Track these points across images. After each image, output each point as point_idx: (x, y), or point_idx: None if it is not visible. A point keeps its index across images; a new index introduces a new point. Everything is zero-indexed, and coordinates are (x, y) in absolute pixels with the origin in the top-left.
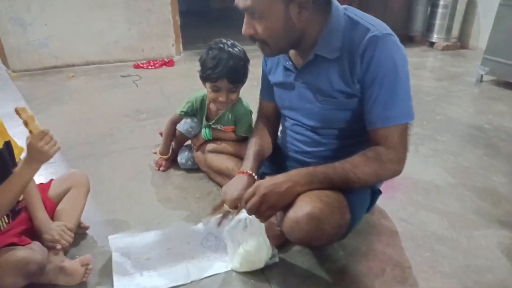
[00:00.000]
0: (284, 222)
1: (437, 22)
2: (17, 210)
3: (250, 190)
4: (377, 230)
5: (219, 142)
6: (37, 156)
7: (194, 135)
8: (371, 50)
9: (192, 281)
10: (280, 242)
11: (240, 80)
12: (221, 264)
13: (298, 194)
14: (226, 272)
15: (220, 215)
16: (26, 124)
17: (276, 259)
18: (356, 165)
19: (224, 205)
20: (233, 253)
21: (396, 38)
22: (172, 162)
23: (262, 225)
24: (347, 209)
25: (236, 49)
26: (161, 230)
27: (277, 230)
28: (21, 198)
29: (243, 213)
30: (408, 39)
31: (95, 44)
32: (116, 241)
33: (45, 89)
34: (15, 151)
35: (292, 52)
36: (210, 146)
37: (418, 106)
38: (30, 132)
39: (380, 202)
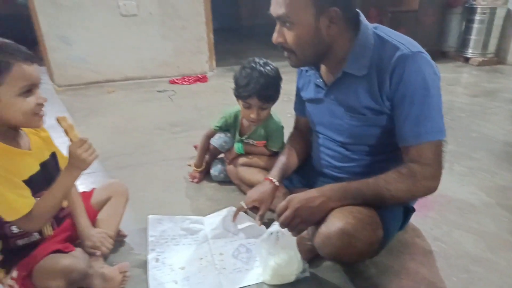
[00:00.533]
0: (316, 237)
1: (473, 37)
2: (61, 217)
3: (283, 203)
4: (410, 248)
5: (250, 156)
6: (77, 163)
7: (227, 149)
8: (400, 69)
9: None
10: (311, 256)
11: (271, 98)
12: (252, 276)
13: (331, 210)
14: (257, 284)
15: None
16: (66, 132)
17: (307, 274)
18: (389, 182)
19: (241, 202)
20: (265, 266)
21: (427, 56)
22: (205, 175)
23: (294, 239)
24: (379, 225)
25: (268, 67)
26: (196, 225)
27: (308, 245)
28: (65, 205)
29: (275, 226)
30: (441, 55)
31: (133, 60)
32: (154, 226)
33: (86, 102)
34: (60, 162)
35: (323, 70)
36: (242, 159)
37: (452, 122)
38: (70, 140)
39: (413, 220)
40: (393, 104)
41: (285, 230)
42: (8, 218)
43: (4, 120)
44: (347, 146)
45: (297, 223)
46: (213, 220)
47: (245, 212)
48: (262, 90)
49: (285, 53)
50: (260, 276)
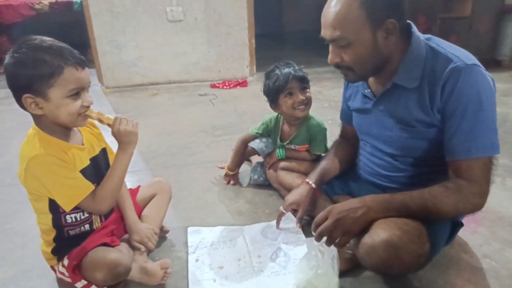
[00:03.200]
0: (359, 247)
1: None
2: (110, 210)
3: (323, 213)
4: (456, 264)
5: (291, 161)
6: (125, 139)
7: (267, 153)
8: (452, 81)
9: None
10: (351, 266)
11: (306, 78)
12: (290, 281)
13: (373, 221)
14: None
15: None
16: (100, 121)
17: None
18: (435, 196)
19: (281, 207)
20: (302, 281)
21: (482, 69)
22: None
23: (335, 258)
24: (426, 238)
25: (289, 63)
26: (234, 232)
27: (348, 253)
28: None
29: (315, 242)
30: (494, 64)
31: (178, 64)
32: (194, 236)
33: (132, 104)
34: (110, 158)
35: (371, 80)
36: (282, 164)
37: (506, 136)
38: (108, 125)
39: (461, 235)
40: (444, 117)
41: (326, 247)
42: (71, 201)
43: (53, 118)
44: (395, 157)
45: (338, 234)
46: (251, 229)
47: (282, 213)
48: (294, 71)
49: (340, 71)
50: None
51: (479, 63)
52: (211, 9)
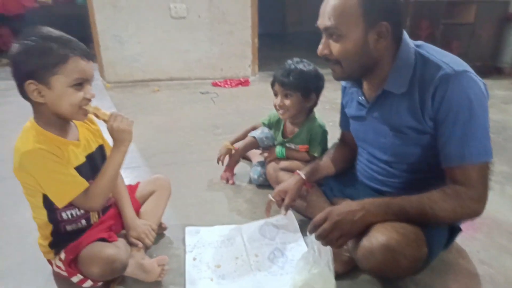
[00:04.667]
0: (357, 250)
1: None
2: (107, 206)
3: (322, 215)
4: (453, 269)
5: (291, 161)
6: (120, 136)
7: (266, 145)
8: (442, 89)
9: None
10: (348, 268)
11: (291, 85)
12: (287, 282)
13: (371, 224)
14: None
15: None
16: (96, 116)
17: None
18: (434, 200)
19: (269, 195)
20: (299, 281)
21: (473, 74)
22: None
23: (330, 258)
24: (424, 243)
25: (300, 64)
26: (232, 231)
27: (346, 256)
28: (110, 195)
29: (312, 238)
30: (496, 71)
31: (180, 61)
32: (192, 236)
33: (133, 100)
34: (108, 154)
35: (365, 87)
36: (282, 163)
37: (505, 143)
38: (104, 121)
39: (459, 241)
40: (436, 124)
41: (322, 246)
42: (64, 198)
43: (54, 108)
44: (390, 163)
45: (336, 236)
46: (249, 227)
47: (271, 201)
48: (282, 76)
49: (329, 65)
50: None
51: (469, 69)
52: (214, 7)
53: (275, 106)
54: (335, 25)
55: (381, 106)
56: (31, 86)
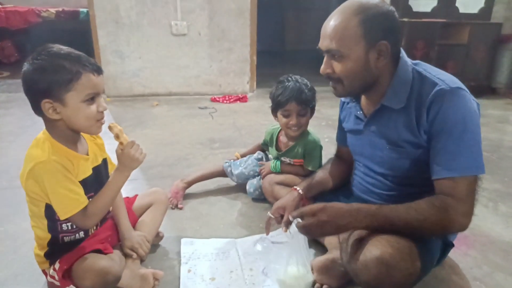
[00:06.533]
0: (351, 263)
1: None
2: (105, 217)
3: (313, 207)
4: (446, 285)
5: (286, 175)
6: (129, 163)
7: (241, 180)
8: (437, 103)
9: None
10: (343, 282)
11: (308, 103)
12: None
13: (354, 230)
14: None
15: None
16: (117, 136)
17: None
18: (421, 212)
19: (268, 212)
20: (276, 280)
21: (466, 92)
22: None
23: (305, 252)
24: (417, 257)
25: (301, 80)
26: (227, 245)
27: (340, 270)
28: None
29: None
30: (490, 91)
31: (179, 77)
32: (187, 247)
33: (132, 113)
34: (110, 168)
35: (363, 102)
36: (278, 178)
37: (499, 161)
38: (121, 143)
39: (452, 257)
40: (430, 138)
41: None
42: (65, 212)
43: (69, 123)
44: (387, 177)
45: (317, 233)
46: (245, 241)
47: (270, 218)
48: (299, 93)
49: (331, 83)
50: None
51: (464, 87)
52: (214, 24)
53: (285, 125)
54: (337, 47)
55: (379, 120)
56: (47, 104)
